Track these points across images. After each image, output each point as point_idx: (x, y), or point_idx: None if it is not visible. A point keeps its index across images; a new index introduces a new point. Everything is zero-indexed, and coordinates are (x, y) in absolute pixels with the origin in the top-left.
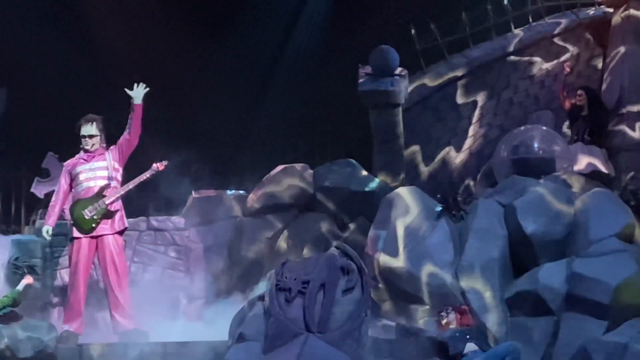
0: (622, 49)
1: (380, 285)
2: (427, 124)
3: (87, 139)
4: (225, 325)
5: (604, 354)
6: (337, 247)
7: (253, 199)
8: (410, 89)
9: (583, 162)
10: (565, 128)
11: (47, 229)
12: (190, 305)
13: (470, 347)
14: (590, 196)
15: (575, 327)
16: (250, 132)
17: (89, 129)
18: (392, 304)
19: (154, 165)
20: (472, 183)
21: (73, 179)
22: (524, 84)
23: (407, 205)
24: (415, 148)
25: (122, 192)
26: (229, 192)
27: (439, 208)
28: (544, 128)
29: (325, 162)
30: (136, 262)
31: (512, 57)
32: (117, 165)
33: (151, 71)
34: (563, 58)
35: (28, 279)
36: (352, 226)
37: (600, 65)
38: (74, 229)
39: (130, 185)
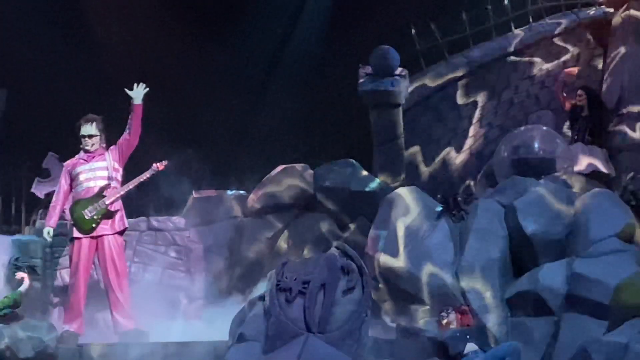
0: (622, 49)
1: (381, 286)
2: (427, 124)
3: (87, 139)
4: (226, 326)
5: (604, 354)
6: (337, 247)
7: (253, 199)
8: (410, 89)
9: (583, 162)
10: (566, 128)
11: (48, 230)
12: (190, 306)
13: (471, 347)
14: (591, 196)
15: (576, 327)
16: (250, 132)
17: (89, 129)
18: (393, 304)
19: (154, 165)
20: (472, 183)
21: (73, 179)
22: (524, 84)
23: (408, 206)
24: (416, 148)
25: (122, 192)
26: (229, 192)
27: (439, 208)
28: (545, 128)
29: (326, 162)
30: (136, 262)
31: (513, 58)
32: (117, 166)
33: (151, 71)
34: (563, 58)
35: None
36: (352, 226)
37: (600, 65)
38: (74, 229)
39: (130, 185)
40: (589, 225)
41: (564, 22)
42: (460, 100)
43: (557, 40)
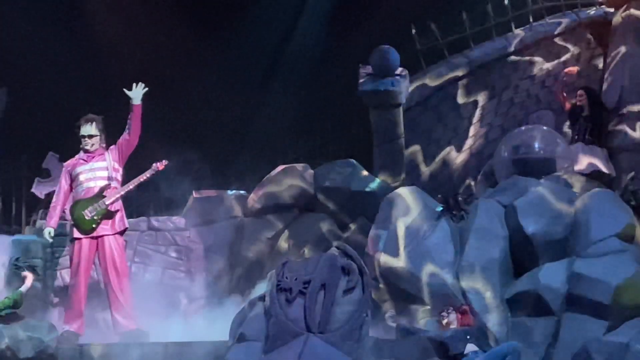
0: (622, 49)
1: (381, 286)
2: (427, 124)
3: (86, 139)
4: (226, 326)
5: (605, 354)
6: (337, 247)
7: (254, 199)
8: (410, 89)
9: (584, 162)
10: (566, 128)
11: (49, 231)
12: (190, 306)
13: (471, 347)
14: (591, 196)
15: (576, 327)
16: (250, 132)
17: (89, 129)
18: (393, 304)
19: (154, 165)
20: (472, 183)
21: (73, 180)
22: (524, 84)
23: (408, 206)
24: (416, 148)
25: (122, 193)
26: (229, 192)
27: (439, 208)
28: (545, 128)
29: (326, 162)
30: (137, 262)
31: (513, 57)
32: (117, 166)
33: (151, 71)
34: (564, 58)
35: (26, 274)
36: (352, 226)
37: (600, 65)
38: (75, 229)
39: (131, 185)
40: (589, 225)
41: (564, 22)
42: (460, 100)
43: (557, 40)
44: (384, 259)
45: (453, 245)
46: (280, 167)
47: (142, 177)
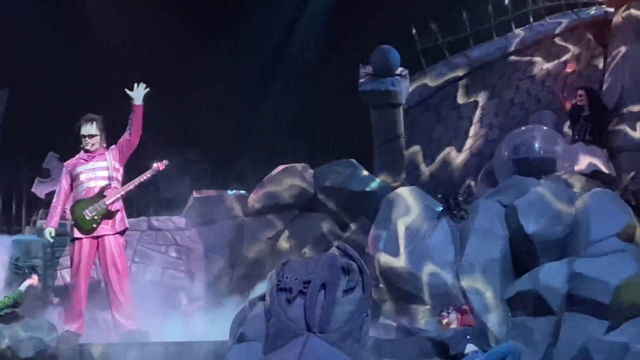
0: (622, 49)
1: (381, 285)
2: (428, 124)
3: (87, 138)
4: (226, 325)
5: (605, 353)
6: (338, 247)
7: (254, 199)
8: (411, 89)
9: (584, 162)
10: (566, 128)
11: (50, 231)
12: (191, 305)
13: (471, 347)
14: (591, 196)
15: (576, 327)
16: (250, 132)
17: (89, 128)
18: (393, 304)
19: (155, 165)
20: (473, 183)
21: (74, 180)
22: (524, 84)
23: (408, 205)
24: (416, 148)
25: (123, 193)
26: (229, 192)
27: (439, 208)
28: (545, 128)
29: (326, 162)
30: (137, 262)
31: (513, 57)
32: (117, 165)
33: (151, 71)
34: (564, 58)
35: (32, 280)
36: (353, 226)
37: (601, 65)
38: (75, 229)
39: (131, 185)
40: (590, 225)
41: (565, 21)
42: (460, 100)
43: (557, 40)
44: (384, 258)
45: (453, 245)
46: (280, 167)
47: (143, 177)
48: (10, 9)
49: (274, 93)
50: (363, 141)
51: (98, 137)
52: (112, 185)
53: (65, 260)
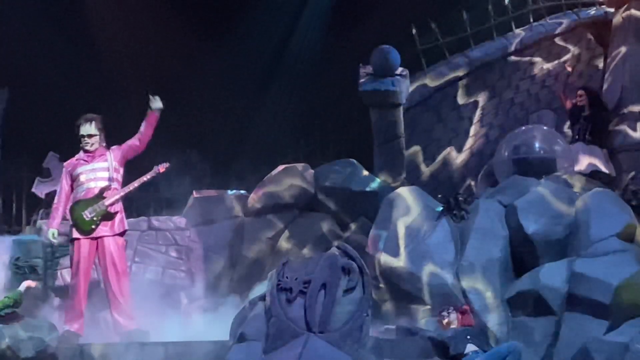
0: (623, 49)
1: (381, 285)
2: (428, 124)
3: (86, 138)
4: (226, 325)
5: (605, 353)
6: (338, 247)
7: (254, 199)
8: (411, 89)
9: (584, 162)
10: (566, 128)
11: (53, 232)
12: (191, 305)
13: (471, 347)
14: (591, 196)
15: (576, 327)
16: (251, 132)
17: (88, 128)
18: (393, 303)
19: (155, 167)
20: (473, 183)
21: (74, 180)
22: (525, 84)
23: (408, 205)
24: (416, 148)
25: (122, 194)
26: (229, 192)
27: (439, 208)
28: (545, 128)
29: (326, 162)
30: (137, 262)
31: (513, 57)
32: (117, 166)
33: (152, 71)
34: (564, 58)
35: (30, 283)
36: (353, 226)
37: (601, 65)
38: (74, 229)
39: (131, 187)
40: (590, 225)
41: (565, 22)
42: (460, 100)
43: (557, 40)
44: (384, 258)
45: (453, 245)
46: (280, 167)
47: (143, 179)
48: (11, 9)
49: (274, 93)
50: (363, 141)
51: (97, 136)
52: (112, 186)
53: (65, 260)
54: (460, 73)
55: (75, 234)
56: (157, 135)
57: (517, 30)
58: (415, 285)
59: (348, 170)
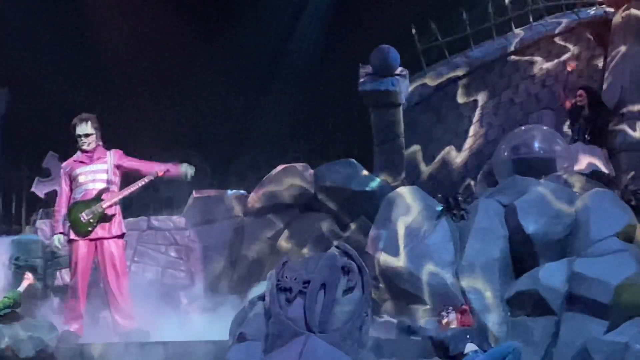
0: (622, 49)
1: (381, 285)
2: (427, 123)
3: (83, 138)
4: (226, 325)
5: (605, 353)
6: (337, 247)
7: (254, 199)
8: (410, 88)
9: (584, 162)
10: (566, 128)
11: (59, 238)
12: (190, 305)
13: (471, 347)
14: (591, 196)
15: (576, 327)
16: (250, 131)
17: (85, 128)
18: (393, 303)
19: (154, 170)
20: (472, 183)
21: (72, 181)
22: (524, 83)
23: (408, 205)
24: (416, 148)
25: (120, 197)
26: (229, 191)
27: (439, 208)
28: (545, 128)
29: (326, 161)
30: (137, 261)
31: (513, 57)
32: (116, 169)
33: (151, 71)
34: (564, 58)
35: (28, 278)
36: (352, 226)
37: (601, 65)
38: (71, 231)
39: (129, 189)
40: (589, 224)
41: (565, 21)
42: (460, 99)
43: (557, 40)
44: (384, 258)
45: (453, 245)
46: (280, 167)
47: (142, 182)
48: (11, 9)
49: (274, 93)
50: (363, 141)
51: (94, 135)
52: (110, 188)
53: (65, 260)
54: (460, 73)
55: (73, 235)
56: (157, 136)
57: (517, 30)
58: (415, 285)
59: (348, 170)
